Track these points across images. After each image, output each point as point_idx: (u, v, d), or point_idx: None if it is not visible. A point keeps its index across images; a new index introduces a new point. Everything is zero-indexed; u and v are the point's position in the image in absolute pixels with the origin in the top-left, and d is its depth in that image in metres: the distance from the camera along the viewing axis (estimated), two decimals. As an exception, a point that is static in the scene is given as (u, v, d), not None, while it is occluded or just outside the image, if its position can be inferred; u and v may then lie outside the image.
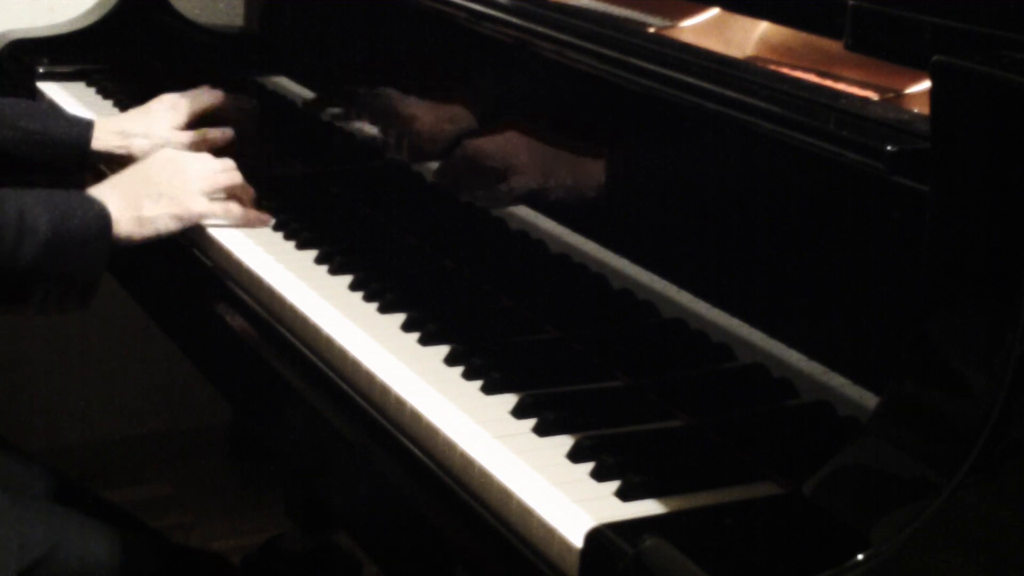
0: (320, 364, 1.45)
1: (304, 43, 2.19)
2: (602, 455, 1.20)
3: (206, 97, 2.02)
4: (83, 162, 1.94)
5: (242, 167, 1.80)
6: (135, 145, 1.93)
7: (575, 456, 1.22)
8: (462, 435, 1.25)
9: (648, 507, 1.14)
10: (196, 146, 1.93)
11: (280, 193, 1.85)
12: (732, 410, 1.29)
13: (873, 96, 1.30)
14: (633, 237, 1.46)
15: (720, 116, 1.29)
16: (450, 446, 1.25)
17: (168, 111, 1.98)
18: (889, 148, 1.10)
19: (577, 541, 1.08)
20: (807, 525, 1.05)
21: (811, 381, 1.24)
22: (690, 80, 1.31)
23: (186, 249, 1.74)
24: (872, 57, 1.28)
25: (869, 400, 1.16)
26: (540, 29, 1.51)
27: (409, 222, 1.78)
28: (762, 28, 1.49)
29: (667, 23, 1.55)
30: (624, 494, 1.15)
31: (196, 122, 1.99)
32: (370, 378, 1.37)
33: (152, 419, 2.88)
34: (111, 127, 1.96)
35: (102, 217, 1.64)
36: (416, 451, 1.29)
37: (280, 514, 2.19)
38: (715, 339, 1.34)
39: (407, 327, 1.48)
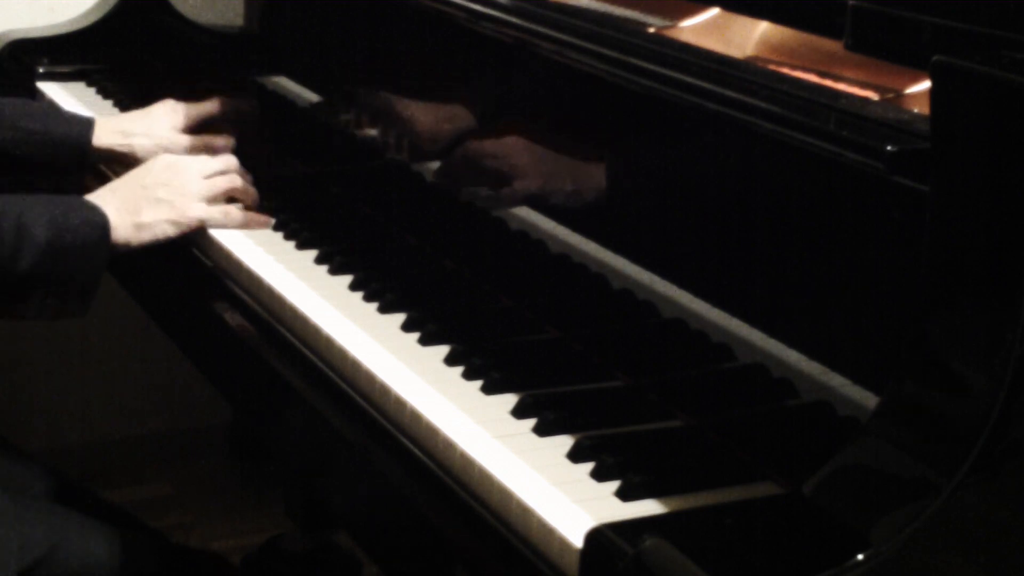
0: (320, 364, 1.45)
1: (304, 43, 2.19)
2: (602, 455, 1.20)
3: (207, 104, 2.02)
4: (84, 162, 1.94)
5: (242, 168, 1.80)
6: (136, 144, 1.93)
7: (575, 456, 1.22)
8: (462, 435, 1.25)
9: (648, 507, 1.14)
10: (197, 150, 1.93)
11: (280, 193, 1.85)
12: (732, 410, 1.29)
13: (873, 96, 1.30)
14: (633, 237, 1.46)
15: (720, 116, 1.29)
16: (450, 446, 1.25)
17: (169, 113, 1.98)
18: (889, 148, 1.10)
19: (577, 541, 1.08)
20: (807, 525, 1.05)
21: (811, 381, 1.24)
22: (690, 80, 1.31)
23: (186, 249, 1.74)
24: (872, 57, 1.28)
25: (869, 400, 1.16)
26: (540, 29, 1.51)
27: (409, 222, 1.78)
28: (762, 28, 1.49)
29: (667, 23, 1.55)
30: (624, 494, 1.15)
31: (197, 125, 1.99)
32: (370, 378, 1.37)
33: (152, 419, 2.88)
34: (112, 126, 1.96)
35: (100, 223, 1.64)
36: (416, 451, 1.29)
37: (280, 514, 2.19)
38: (715, 339, 1.34)
39: (407, 327, 1.48)
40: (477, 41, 1.65)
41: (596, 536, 1.05)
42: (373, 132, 1.93)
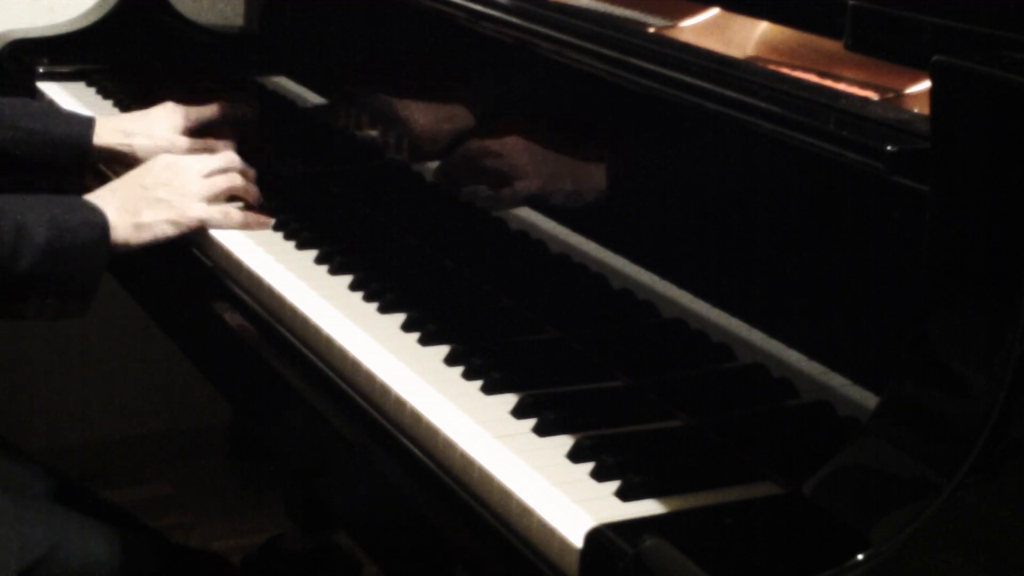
0: (320, 364, 1.45)
1: (304, 43, 2.19)
2: (602, 455, 1.20)
3: (208, 106, 2.02)
4: (84, 161, 1.93)
5: (244, 164, 1.80)
6: (137, 143, 1.93)
7: (575, 456, 1.22)
8: (462, 435, 1.25)
9: (648, 507, 1.14)
10: (197, 153, 1.93)
11: (280, 193, 1.85)
12: (732, 410, 1.29)
13: (873, 96, 1.30)
14: (633, 237, 1.46)
15: (720, 116, 1.29)
16: (450, 446, 1.25)
17: (170, 115, 1.98)
18: (889, 148, 1.10)
19: (577, 541, 1.08)
20: (807, 525, 1.05)
21: (811, 381, 1.24)
22: (690, 80, 1.31)
23: (186, 249, 1.74)
24: (872, 57, 1.28)
25: (869, 400, 1.16)
26: (540, 29, 1.51)
27: (409, 222, 1.78)
28: (762, 28, 1.49)
29: (667, 23, 1.55)
30: (624, 494, 1.15)
31: (198, 127, 1.99)
32: (370, 378, 1.37)
33: (152, 419, 2.88)
34: (113, 125, 1.96)
35: (100, 223, 1.64)
36: (416, 451, 1.29)
37: (280, 514, 2.19)
38: (715, 339, 1.34)
39: (407, 327, 1.48)
40: (477, 41, 1.65)
41: (596, 536, 1.05)
42: (373, 132, 1.93)
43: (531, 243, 1.58)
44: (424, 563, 1.30)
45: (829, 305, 1.23)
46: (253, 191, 1.80)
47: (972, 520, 1.01)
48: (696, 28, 1.53)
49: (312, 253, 1.68)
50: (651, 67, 1.36)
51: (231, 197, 1.78)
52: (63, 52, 2.35)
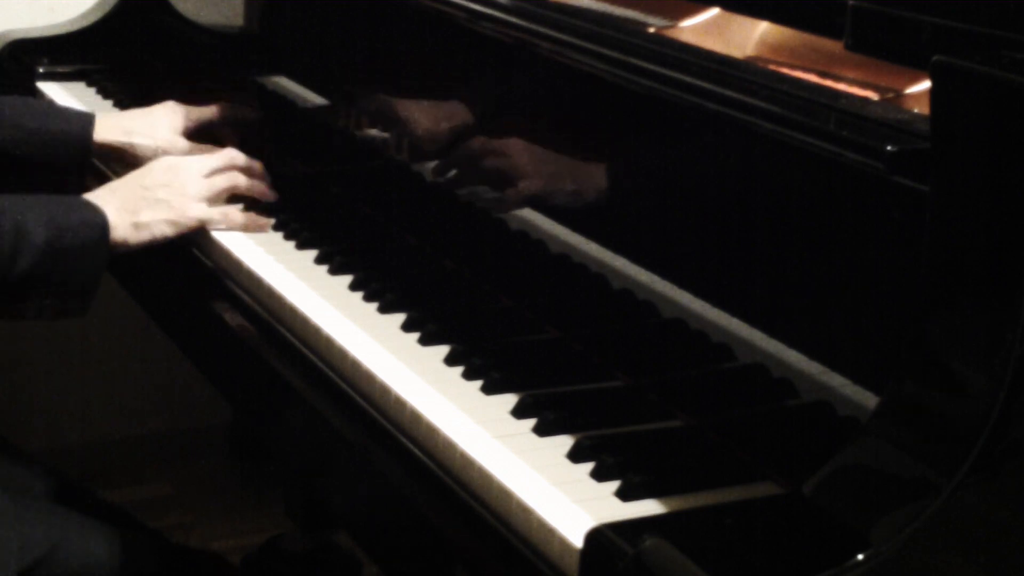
0: (320, 364, 1.45)
1: (304, 43, 2.19)
2: (602, 455, 1.20)
3: (209, 108, 2.02)
4: (84, 160, 1.93)
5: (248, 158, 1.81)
6: (137, 142, 1.93)
7: (575, 456, 1.22)
8: (462, 435, 1.25)
9: (648, 507, 1.14)
10: (196, 153, 1.93)
11: (280, 193, 1.85)
12: (732, 410, 1.29)
13: (873, 96, 1.30)
14: (633, 237, 1.46)
15: (720, 116, 1.29)
16: (450, 446, 1.25)
17: (170, 115, 1.98)
18: (889, 148, 1.10)
19: (577, 541, 1.08)
20: (807, 525, 1.05)
21: (811, 381, 1.24)
22: (690, 80, 1.31)
23: (186, 249, 1.74)
24: (872, 57, 1.28)
25: (869, 400, 1.16)
26: (540, 29, 1.51)
27: (409, 222, 1.78)
28: (762, 28, 1.49)
29: (667, 23, 1.55)
30: (624, 494, 1.15)
31: (198, 128, 1.99)
32: (370, 378, 1.37)
33: (152, 419, 2.88)
34: (113, 122, 1.95)
35: (100, 223, 1.64)
36: (416, 451, 1.29)
37: (280, 514, 2.19)
38: (715, 339, 1.34)
39: (407, 327, 1.48)
40: (477, 41, 1.65)
41: (596, 536, 1.05)
42: (373, 132, 1.93)
43: (531, 243, 1.58)
44: (424, 563, 1.30)
45: (829, 305, 1.23)
46: (259, 187, 1.80)
47: (972, 520, 1.01)
48: (696, 28, 1.53)
49: (312, 253, 1.68)
50: (651, 67, 1.36)
51: (237, 197, 1.78)
52: (63, 52, 2.35)
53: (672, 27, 1.54)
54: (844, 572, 0.98)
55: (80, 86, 2.30)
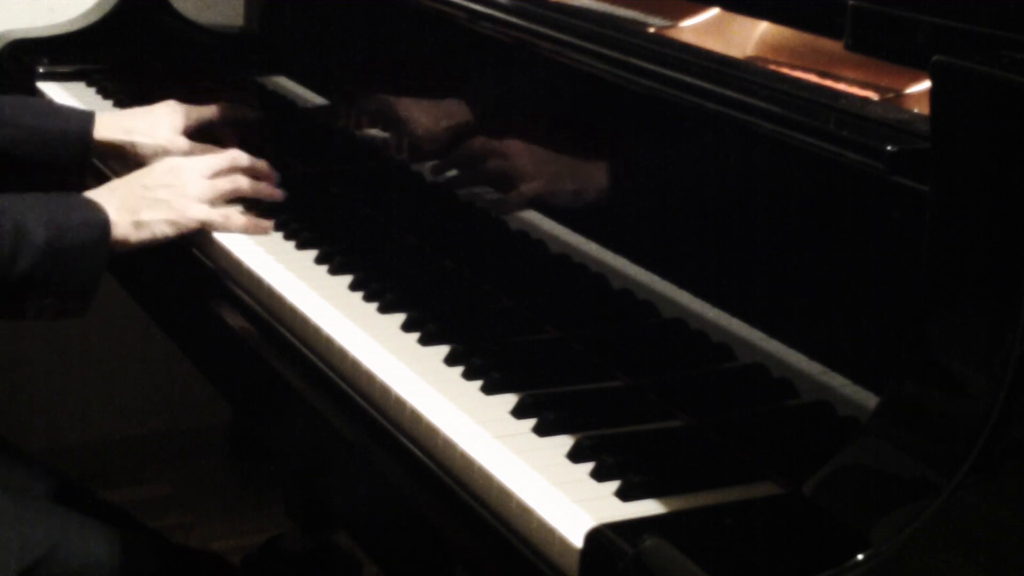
0: (320, 364, 1.45)
1: (304, 43, 2.19)
2: (602, 455, 1.20)
3: (210, 108, 2.01)
4: (84, 159, 1.93)
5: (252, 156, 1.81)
6: (138, 141, 1.93)
7: (575, 456, 1.22)
8: (462, 435, 1.25)
9: (648, 507, 1.14)
10: (197, 153, 1.92)
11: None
12: (732, 410, 1.29)
13: (873, 96, 1.30)
14: (633, 237, 1.46)
15: (720, 116, 1.29)
16: (450, 446, 1.25)
17: (171, 114, 1.97)
18: (889, 148, 1.10)
19: (577, 541, 1.08)
20: (807, 525, 1.05)
21: (811, 381, 1.24)
22: (690, 80, 1.31)
23: (186, 249, 1.74)
24: (872, 57, 1.28)
25: (869, 400, 1.16)
26: (540, 29, 1.51)
27: (409, 222, 1.78)
28: (762, 28, 1.49)
29: (667, 23, 1.55)
30: (624, 494, 1.15)
31: (199, 129, 1.99)
32: (370, 378, 1.37)
33: (152, 419, 2.88)
34: (113, 121, 1.95)
35: (100, 223, 1.64)
36: (416, 451, 1.29)
37: (280, 514, 2.19)
38: (715, 339, 1.34)
39: (407, 327, 1.48)
40: (477, 41, 1.65)
41: (596, 536, 1.05)
42: (373, 132, 1.93)
43: (531, 243, 1.58)
44: (424, 563, 1.30)
45: (829, 305, 1.23)
46: (264, 188, 1.80)
47: (972, 520, 1.01)
48: (696, 28, 1.53)
49: (312, 253, 1.68)
50: (651, 67, 1.36)
51: (239, 197, 1.78)
52: (63, 52, 2.35)
53: (672, 27, 1.54)
54: (844, 572, 0.98)
55: (80, 86, 2.30)
